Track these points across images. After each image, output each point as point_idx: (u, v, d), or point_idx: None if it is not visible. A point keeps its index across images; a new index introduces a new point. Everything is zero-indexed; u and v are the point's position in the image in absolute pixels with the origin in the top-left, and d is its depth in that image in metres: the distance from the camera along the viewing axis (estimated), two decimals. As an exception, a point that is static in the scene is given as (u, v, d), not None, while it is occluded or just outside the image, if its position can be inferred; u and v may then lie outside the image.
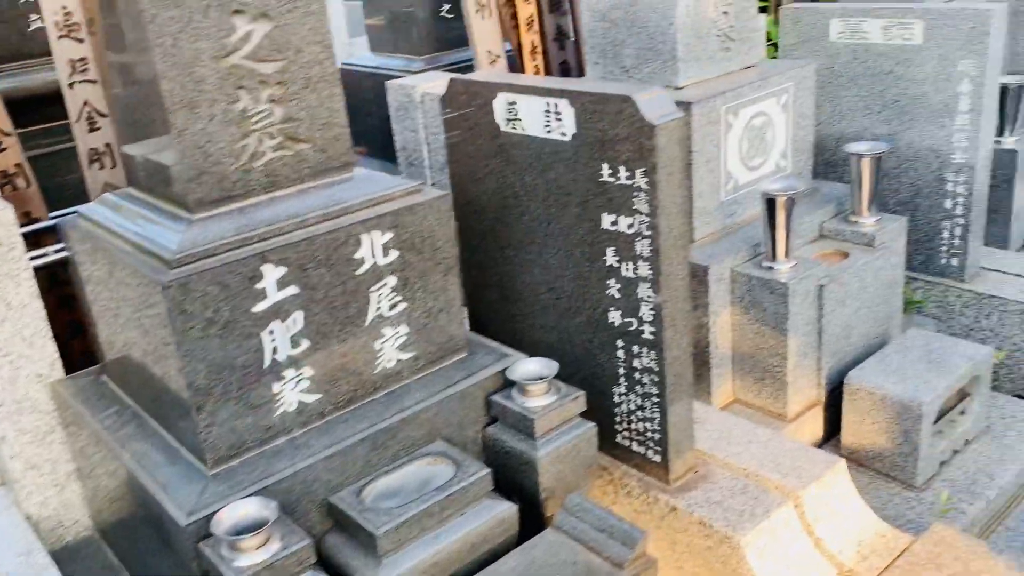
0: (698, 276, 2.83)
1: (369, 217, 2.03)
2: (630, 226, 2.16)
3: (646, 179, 2.07)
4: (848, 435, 2.88)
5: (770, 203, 2.76)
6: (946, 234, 3.45)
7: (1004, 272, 3.49)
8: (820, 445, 2.99)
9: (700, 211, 2.97)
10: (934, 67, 3.27)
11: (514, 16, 3.63)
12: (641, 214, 2.12)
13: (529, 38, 3.65)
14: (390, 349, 2.15)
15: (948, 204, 3.40)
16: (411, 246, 2.11)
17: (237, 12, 1.88)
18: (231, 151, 1.93)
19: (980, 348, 2.89)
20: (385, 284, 2.08)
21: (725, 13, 3.06)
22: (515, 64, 3.80)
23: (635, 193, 2.11)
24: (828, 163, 3.67)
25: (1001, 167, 3.79)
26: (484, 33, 3.47)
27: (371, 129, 4.66)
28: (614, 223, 2.20)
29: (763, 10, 4.98)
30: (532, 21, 3.66)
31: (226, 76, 1.90)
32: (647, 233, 2.12)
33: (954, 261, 3.46)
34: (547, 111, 2.26)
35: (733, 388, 3.02)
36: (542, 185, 2.37)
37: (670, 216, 2.10)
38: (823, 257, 3.08)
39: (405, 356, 2.18)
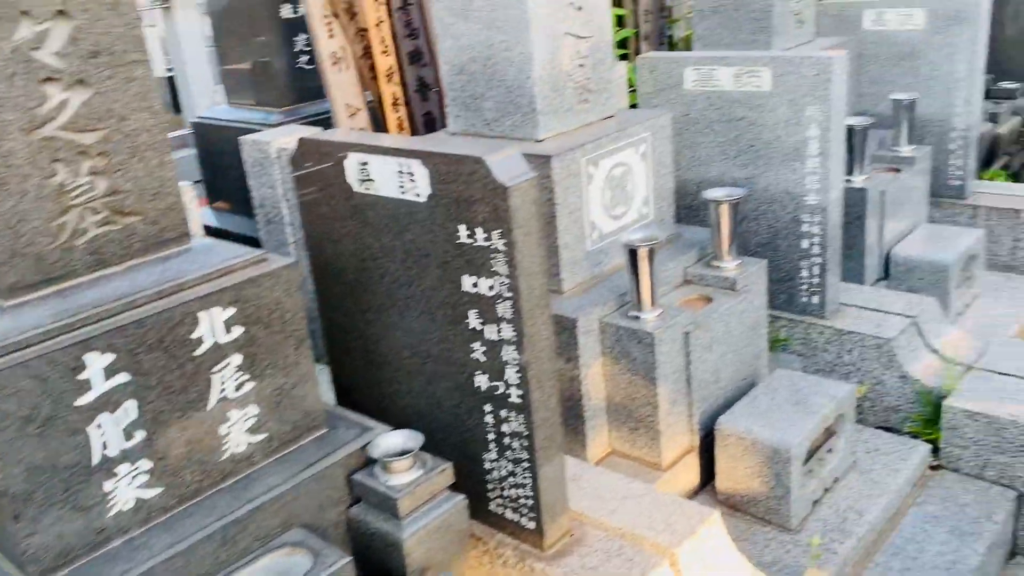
0: (568, 329, 2.80)
1: (208, 293, 1.89)
2: (491, 288, 2.09)
3: (503, 240, 2.01)
4: (723, 480, 2.88)
5: (632, 253, 2.76)
6: (805, 273, 3.55)
7: (862, 307, 3.62)
8: (697, 492, 2.99)
9: (567, 262, 2.95)
10: (784, 113, 3.38)
11: (373, 68, 3.56)
12: (501, 275, 2.06)
13: (390, 90, 3.58)
14: (238, 433, 2.00)
15: (805, 244, 3.50)
16: (257, 320, 1.98)
17: (49, 80, 1.72)
18: (48, 230, 1.77)
19: (842, 386, 2.96)
20: (228, 364, 1.94)
21: (581, 66, 3.08)
22: (377, 116, 3.73)
23: (493, 254, 2.05)
24: (690, 207, 3.74)
25: (853, 205, 3.95)
26: (341, 86, 3.37)
27: (233, 185, 4.47)
28: (475, 285, 2.13)
29: (624, 57, 5.11)
30: (392, 73, 3.59)
31: (39, 149, 1.73)
32: (508, 295, 2.06)
33: (814, 299, 3.56)
34: (400, 172, 2.18)
35: (609, 439, 2.98)
36: (400, 247, 2.29)
37: (530, 276, 2.04)
38: (688, 303, 3.10)
39: (256, 438, 2.03)
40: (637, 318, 2.82)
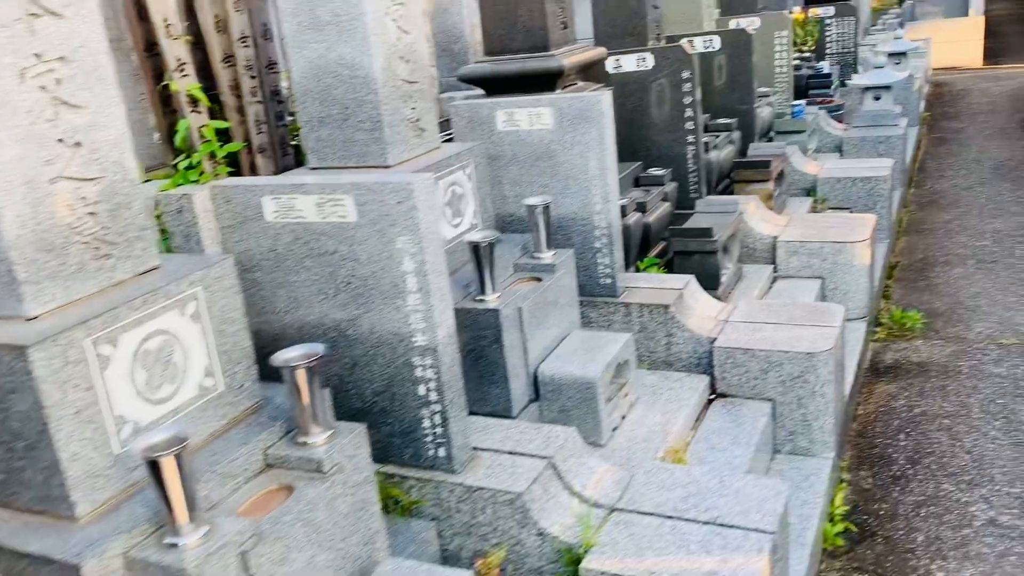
0: (69, 580, 2.06)
1: None
2: None
3: None
4: None
5: (153, 466, 2.09)
6: (427, 423, 3.06)
7: (497, 451, 3.17)
8: None
9: (79, 479, 2.21)
10: (375, 245, 2.90)
11: None
12: None
13: None
14: None
15: (422, 390, 3.01)
16: None
17: None
18: None
19: (454, 579, 2.45)
20: None
21: (92, 214, 2.40)
22: None
23: None
24: (293, 358, 3.14)
25: (487, 328, 3.56)
26: None
27: None
28: None
29: (236, 174, 4.48)
30: None
31: None
32: None
33: (440, 451, 3.07)
34: None
35: None
36: None
37: None
38: (268, 497, 2.47)
39: None
40: (174, 545, 2.14)
